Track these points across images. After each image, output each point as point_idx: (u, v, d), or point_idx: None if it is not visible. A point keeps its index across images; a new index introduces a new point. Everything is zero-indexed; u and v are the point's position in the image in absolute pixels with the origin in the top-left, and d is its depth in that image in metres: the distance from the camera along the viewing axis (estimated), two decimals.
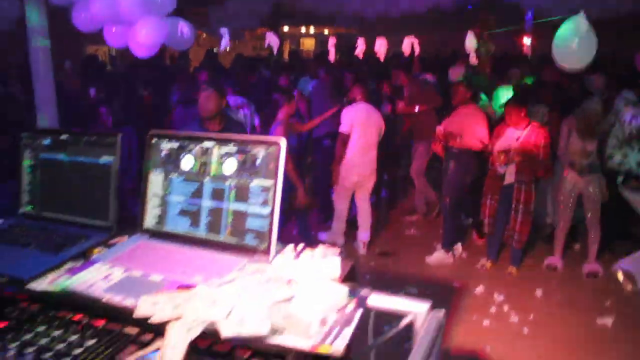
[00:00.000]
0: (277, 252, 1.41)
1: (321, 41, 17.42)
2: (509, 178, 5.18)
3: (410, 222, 6.89)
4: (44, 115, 5.26)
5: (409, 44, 8.34)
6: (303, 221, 5.55)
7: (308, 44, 18.30)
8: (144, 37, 4.65)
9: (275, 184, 1.39)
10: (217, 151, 1.49)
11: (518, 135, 5.10)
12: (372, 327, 1.37)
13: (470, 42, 7.48)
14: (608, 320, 4.53)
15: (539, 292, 5.06)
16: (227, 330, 1.05)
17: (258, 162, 1.42)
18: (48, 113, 5.20)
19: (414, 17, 8.80)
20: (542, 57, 8.22)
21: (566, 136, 5.24)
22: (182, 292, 1.21)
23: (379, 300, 1.33)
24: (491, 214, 5.40)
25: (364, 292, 1.28)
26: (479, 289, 5.08)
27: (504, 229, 5.38)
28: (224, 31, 6.57)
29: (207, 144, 1.51)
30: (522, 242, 5.34)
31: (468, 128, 5.47)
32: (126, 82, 7.93)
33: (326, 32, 16.80)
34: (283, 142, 1.39)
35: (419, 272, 5.51)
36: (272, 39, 8.42)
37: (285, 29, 14.10)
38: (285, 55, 12.30)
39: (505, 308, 4.76)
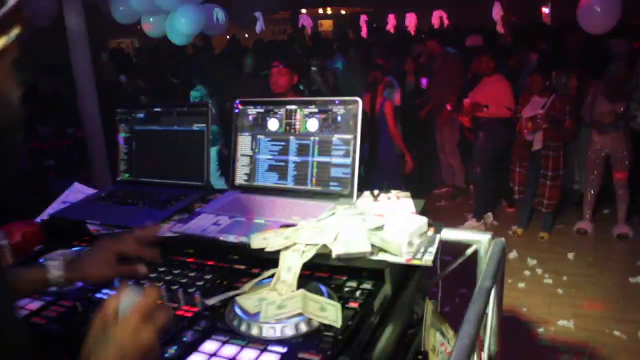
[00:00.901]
0: (358, 197, 1.64)
1: (340, 21, 17.58)
2: (537, 145, 5.31)
3: (440, 195, 7.05)
4: (85, 105, 5.55)
5: (438, 17, 8.48)
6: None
7: (326, 25, 18.46)
8: (183, 25, 4.88)
9: (355, 138, 1.61)
10: (300, 112, 1.72)
11: (544, 102, 5.24)
12: (449, 253, 1.59)
13: (497, 11, 7.61)
14: None
15: (571, 256, 5.20)
16: (337, 250, 1.29)
17: (339, 119, 1.64)
18: (89, 103, 5.49)
19: None
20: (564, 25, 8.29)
21: (592, 101, 5.36)
22: (288, 228, 1.44)
23: (451, 233, 1.55)
24: (521, 182, 5.55)
25: (440, 224, 1.50)
26: (512, 255, 5.24)
27: (533, 196, 5.53)
28: (258, 15, 6.78)
29: (291, 107, 1.74)
30: (553, 207, 5.48)
31: (495, 98, 5.61)
32: (157, 71, 8.21)
33: (343, 12, 16.94)
34: (360, 101, 1.61)
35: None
36: (305, 21, 8.62)
37: (303, 11, 14.25)
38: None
39: (539, 271, 4.93)
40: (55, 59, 6.96)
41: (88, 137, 5.53)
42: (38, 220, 1.93)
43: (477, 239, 1.56)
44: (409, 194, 1.62)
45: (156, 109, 1.99)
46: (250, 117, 1.81)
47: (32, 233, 2.06)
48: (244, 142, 1.82)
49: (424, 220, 1.41)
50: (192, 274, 1.48)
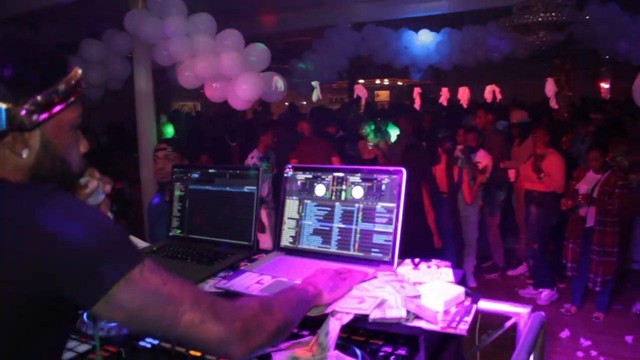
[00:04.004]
0: (399, 264, 1.67)
1: (396, 92, 17.95)
2: (590, 221, 5.22)
3: (485, 268, 6.88)
4: (143, 160, 5.88)
5: (490, 91, 8.61)
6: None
7: (383, 95, 18.87)
8: (243, 91, 5.13)
9: (397, 206, 1.67)
10: (346, 180, 1.79)
11: (598, 178, 5.17)
12: (479, 327, 1.59)
13: (550, 87, 7.66)
14: None
15: (629, 339, 4.97)
16: (373, 315, 1.32)
17: (383, 187, 1.71)
18: (147, 159, 5.79)
19: (490, 66, 9.06)
20: (621, 100, 8.27)
21: None
22: None
23: (489, 304, 1.56)
24: (574, 259, 5.40)
25: (477, 295, 1.51)
26: (565, 334, 5.06)
27: (587, 273, 5.36)
28: (316, 84, 7.08)
29: (338, 174, 1.82)
30: (606, 287, 5.29)
31: (549, 171, 5.58)
32: (215, 133, 8.60)
33: (400, 83, 17.29)
34: (404, 171, 1.67)
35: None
36: (360, 91, 8.91)
37: (361, 81, 14.63)
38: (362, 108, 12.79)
39: (593, 354, 4.72)
40: (122, 116, 7.43)
41: (144, 192, 5.84)
42: None
43: (515, 311, 1.56)
44: (448, 263, 1.65)
45: (210, 170, 2.11)
46: (299, 182, 1.89)
47: None
48: (292, 206, 1.90)
49: (460, 289, 1.43)
50: None
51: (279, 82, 5.27)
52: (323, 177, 1.85)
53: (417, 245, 5.39)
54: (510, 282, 6.40)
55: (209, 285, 1.72)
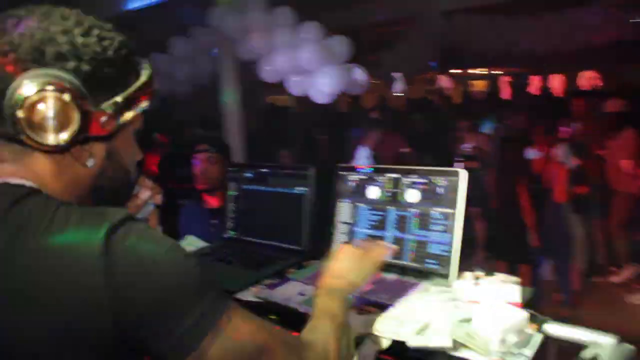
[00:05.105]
0: (458, 277, 1.48)
1: (492, 82, 17.15)
2: None
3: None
4: (234, 156, 5.96)
5: (588, 79, 7.93)
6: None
7: (478, 85, 18.10)
8: (323, 85, 5.02)
9: (456, 212, 1.47)
10: (401, 181, 1.62)
11: None
12: (554, 356, 1.37)
13: None
14: None
15: None
16: (413, 341, 1.15)
17: (440, 191, 1.51)
18: (237, 154, 5.86)
19: (590, 50, 8.33)
20: None
21: None
22: (372, 312, 1.32)
23: (561, 330, 1.33)
24: None
25: (545, 319, 1.29)
26: None
27: None
28: (398, 76, 6.83)
29: (392, 175, 1.64)
30: None
31: None
32: (305, 126, 8.59)
33: (497, 72, 16.48)
34: (463, 172, 1.47)
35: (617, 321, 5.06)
36: (445, 82, 8.53)
37: (455, 71, 14.11)
38: (456, 98, 12.32)
39: None
40: (210, 112, 7.58)
41: None
42: None
43: (595, 341, 1.31)
44: (517, 279, 1.43)
45: (262, 169, 2.00)
46: (352, 183, 1.74)
47: None
48: (344, 209, 1.75)
49: (522, 313, 1.22)
50: None
51: (359, 74, 5.11)
52: (376, 178, 1.68)
53: (512, 245, 5.10)
54: (615, 288, 5.85)
55: (251, 293, 1.61)
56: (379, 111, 8.85)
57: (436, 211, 1.52)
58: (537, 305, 1.39)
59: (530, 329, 1.22)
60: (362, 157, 5.98)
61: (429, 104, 10.09)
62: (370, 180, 1.70)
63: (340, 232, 1.76)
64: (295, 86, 5.47)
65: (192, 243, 2.23)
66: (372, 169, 1.71)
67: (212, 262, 1.89)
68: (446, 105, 8.94)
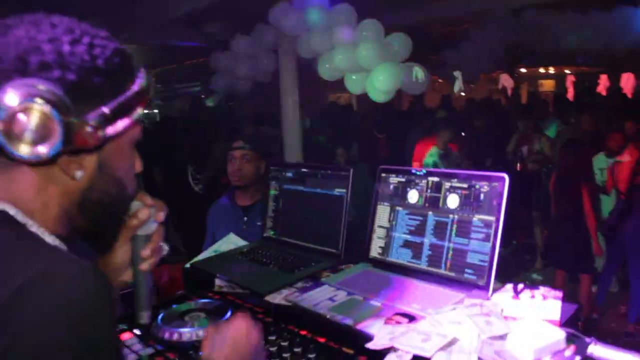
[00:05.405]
0: (497, 289, 1.38)
1: (561, 81, 16.42)
2: None
3: None
4: (291, 153, 5.96)
5: None
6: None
7: (547, 85, 17.39)
8: (381, 83, 4.93)
9: (497, 220, 1.38)
10: (441, 186, 1.53)
11: None
12: None
13: None
14: None
15: None
16: (436, 359, 1.07)
17: (481, 197, 1.42)
18: (294, 151, 5.86)
19: None
20: None
21: None
22: (399, 325, 1.25)
23: (603, 352, 1.21)
24: None
25: (585, 339, 1.18)
26: None
27: None
28: (457, 74, 6.63)
29: (433, 178, 1.56)
30: None
31: None
32: (364, 126, 8.50)
33: (567, 71, 15.79)
34: (506, 178, 1.37)
35: None
36: (506, 81, 8.22)
37: (523, 70, 13.63)
38: (524, 98, 11.90)
39: None
40: (268, 109, 7.63)
41: None
42: (187, 265, 2.00)
43: None
44: (559, 294, 1.32)
45: (302, 169, 1.95)
46: (391, 186, 1.67)
47: (176, 278, 2.15)
48: (382, 212, 1.68)
49: (560, 334, 1.11)
50: (298, 349, 1.37)
51: (418, 73, 4.97)
52: (417, 181, 1.60)
53: (573, 253, 4.83)
54: None
55: (282, 296, 1.57)
56: (445, 111, 8.67)
57: (477, 218, 1.43)
58: (586, 323, 1.27)
59: (569, 350, 1.11)
60: (431, 157, 5.84)
61: (493, 104, 9.80)
62: (410, 183, 1.62)
63: (377, 236, 1.69)
64: (354, 84, 5.41)
65: (233, 241, 2.22)
66: (414, 172, 1.63)
67: (248, 262, 1.87)
68: (511, 105, 8.63)
